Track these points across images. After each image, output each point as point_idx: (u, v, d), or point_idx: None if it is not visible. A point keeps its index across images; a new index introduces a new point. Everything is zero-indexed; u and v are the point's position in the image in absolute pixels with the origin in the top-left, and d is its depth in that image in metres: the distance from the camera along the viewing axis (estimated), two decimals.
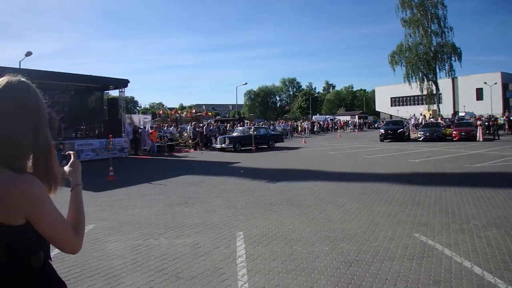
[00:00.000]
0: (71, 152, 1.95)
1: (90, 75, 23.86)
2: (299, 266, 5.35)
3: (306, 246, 6.19)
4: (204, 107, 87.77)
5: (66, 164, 1.92)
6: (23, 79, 1.65)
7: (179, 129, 31.35)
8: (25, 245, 1.55)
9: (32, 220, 1.52)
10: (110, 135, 19.41)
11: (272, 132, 31.87)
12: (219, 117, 63.57)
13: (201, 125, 31.83)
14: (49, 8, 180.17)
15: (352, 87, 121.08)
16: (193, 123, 32.32)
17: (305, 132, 49.81)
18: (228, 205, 9.36)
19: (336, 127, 62.19)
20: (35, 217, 1.52)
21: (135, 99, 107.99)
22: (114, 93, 28.89)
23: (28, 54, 26.77)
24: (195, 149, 28.17)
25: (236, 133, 28.61)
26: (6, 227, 1.48)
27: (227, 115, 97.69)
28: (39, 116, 1.61)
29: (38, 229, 1.54)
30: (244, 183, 12.80)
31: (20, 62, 25.78)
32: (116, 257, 5.89)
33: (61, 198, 1.81)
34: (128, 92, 24.61)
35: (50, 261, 1.70)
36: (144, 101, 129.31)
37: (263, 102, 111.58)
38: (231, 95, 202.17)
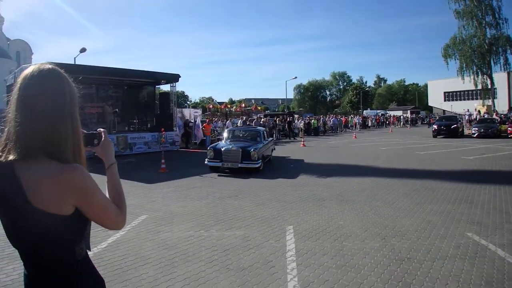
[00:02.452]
0: (102, 129, 1.91)
1: (143, 70, 24.40)
2: (349, 262, 5.27)
3: (357, 242, 6.09)
4: (253, 101, 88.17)
5: (98, 143, 1.88)
6: (54, 66, 1.64)
7: (227, 123, 31.58)
8: (71, 235, 1.57)
9: (82, 206, 1.55)
10: (162, 129, 19.82)
11: (270, 138, 18.79)
12: (268, 111, 63.64)
13: (250, 119, 31.94)
14: (102, 5, 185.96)
15: (404, 81, 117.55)
16: (243, 117, 32.47)
17: (355, 127, 49.01)
18: (278, 199, 9.35)
19: (387, 122, 60.79)
20: (85, 203, 1.55)
21: (186, 93, 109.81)
22: (165, 87, 29.45)
23: (83, 50, 27.66)
24: None
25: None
26: (56, 217, 1.49)
27: (276, 110, 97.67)
28: (73, 102, 1.63)
29: (88, 214, 1.58)
30: (293, 177, 12.76)
31: (75, 58, 26.84)
32: (168, 247, 6.01)
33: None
34: (179, 86, 24.99)
35: (88, 251, 1.71)
36: (194, 96, 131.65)
37: (312, 96, 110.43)
38: (281, 89, 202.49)
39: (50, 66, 1.62)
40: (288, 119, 36.25)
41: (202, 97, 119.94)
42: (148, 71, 24.65)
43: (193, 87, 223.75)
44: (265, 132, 17.26)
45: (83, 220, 1.60)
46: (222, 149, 14.05)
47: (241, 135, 16.32)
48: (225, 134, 16.90)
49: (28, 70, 1.59)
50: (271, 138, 19.69)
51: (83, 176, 1.54)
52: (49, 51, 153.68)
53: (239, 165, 13.63)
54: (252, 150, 13.86)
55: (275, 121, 35.18)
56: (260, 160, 13.98)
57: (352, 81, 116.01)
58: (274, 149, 18.27)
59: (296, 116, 43.62)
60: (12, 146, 1.50)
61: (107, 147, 1.88)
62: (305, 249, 5.81)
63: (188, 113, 29.64)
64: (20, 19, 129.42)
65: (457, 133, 30.88)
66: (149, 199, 9.61)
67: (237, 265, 5.21)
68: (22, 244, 1.58)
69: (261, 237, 6.43)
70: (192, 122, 26.71)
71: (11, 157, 1.49)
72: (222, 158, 13.86)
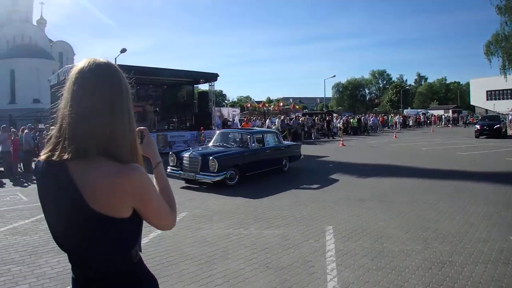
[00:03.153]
0: (142, 128, 1.82)
1: (182, 70, 24.73)
2: (390, 264, 5.17)
3: (397, 244, 5.97)
4: (291, 100, 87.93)
5: (141, 141, 1.79)
6: (109, 60, 1.57)
7: (267, 122, 31.62)
8: (127, 238, 1.51)
9: (140, 207, 1.47)
10: (202, 127, 20.04)
11: (286, 143, 15.70)
12: (306, 110, 63.27)
13: (288, 118, 31.85)
14: (141, 6, 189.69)
15: (445, 80, 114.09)
16: (281, 116, 32.41)
17: (395, 127, 48.06)
18: (316, 198, 9.29)
19: (428, 121, 59.31)
20: (143, 204, 1.48)
21: (223, 92, 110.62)
22: (203, 86, 29.78)
23: (123, 51, 28.19)
24: None
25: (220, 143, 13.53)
26: (114, 221, 1.42)
27: (314, 108, 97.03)
28: (129, 98, 1.56)
29: (144, 215, 1.50)
30: (333, 177, 12.64)
31: (115, 58, 27.32)
32: (208, 244, 6.09)
33: None
34: (217, 85, 25.13)
35: (140, 252, 1.63)
36: (232, 95, 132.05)
37: (351, 95, 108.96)
38: (319, 87, 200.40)
39: (106, 60, 1.55)
40: (327, 118, 35.97)
41: (240, 96, 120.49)
42: (187, 70, 24.98)
43: (230, 86, 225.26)
44: (274, 136, 13.99)
45: (139, 222, 1.54)
46: (183, 155, 11.62)
47: (231, 138, 13.28)
48: (214, 137, 13.86)
49: (83, 64, 1.51)
50: (289, 143, 16.36)
51: (142, 176, 1.45)
52: (90, 52, 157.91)
53: (197, 176, 11.02)
54: (211, 158, 10.86)
55: (314, 120, 34.98)
56: (225, 172, 11.00)
57: (392, 80, 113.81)
58: (301, 156, 15.24)
59: (335, 115, 43.17)
60: (67, 145, 1.42)
61: (151, 145, 1.82)
62: (345, 249, 5.76)
63: (227, 112, 29.91)
64: (62, 21, 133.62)
65: (500, 134, 29.84)
66: (188, 197, 9.76)
67: (277, 264, 5.22)
68: (75, 248, 1.51)
69: (301, 236, 6.41)
70: (230, 121, 26.92)
71: (65, 156, 1.41)
72: (182, 167, 11.49)
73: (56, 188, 1.44)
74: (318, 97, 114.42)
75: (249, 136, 12.58)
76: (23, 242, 6.55)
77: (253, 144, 12.45)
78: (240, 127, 25.93)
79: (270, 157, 13.05)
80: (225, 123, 26.36)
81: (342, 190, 10.34)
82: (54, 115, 1.53)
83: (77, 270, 1.56)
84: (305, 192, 10.05)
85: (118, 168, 1.41)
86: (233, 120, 26.71)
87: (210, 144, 13.36)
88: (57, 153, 1.44)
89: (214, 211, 8.22)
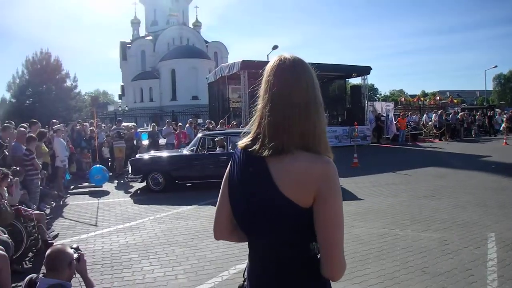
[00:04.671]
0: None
1: (334, 64, 24.74)
2: None
3: None
4: (448, 93, 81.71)
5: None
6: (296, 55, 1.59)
7: (424, 117, 30.03)
8: (309, 229, 1.47)
9: (322, 202, 1.44)
10: (356, 123, 19.91)
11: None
12: (464, 104, 58.23)
13: (447, 113, 29.80)
14: (291, 3, 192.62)
15: None
16: (439, 111, 30.47)
17: None
18: (478, 202, 8.65)
19: None
20: (327, 198, 1.44)
21: (375, 86, 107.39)
22: (353, 80, 29.40)
23: (275, 47, 28.97)
24: (440, 139, 26.62)
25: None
26: (300, 209, 1.44)
27: (474, 103, 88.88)
28: (320, 92, 1.59)
29: (320, 214, 1.45)
30: (495, 179, 11.55)
31: (267, 55, 28.32)
32: (362, 242, 6.17)
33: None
34: (368, 79, 24.55)
35: None
36: (383, 89, 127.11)
37: None
38: (478, 80, 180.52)
39: (296, 56, 1.57)
40: (488, 114, 32.73)
41: (393, 90, 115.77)
42: (338, 64, 24.97)
43: (381, 80, 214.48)
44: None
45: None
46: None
47: (211, 140, 12.31)
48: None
49: (275, 62, 1.55)
50: None
51: (334, 170, 1.47)
52: (243, 51, 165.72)
53: (128, 177, 11.75)
54: (129, 160, 11.71)
55: (474, 115, 32.10)
56: (141, 176, 11.15)
57: None
58: None
59: (497, 110, 38.99)
60: (266, 142, 1.48)
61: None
62: (508, 260, 5.33)
63: (380, 106, 29.04)
64: (215, 23, 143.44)
65: None
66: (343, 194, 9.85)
67: (434, 269, 5.07)
68: (258, 232, 1.55)
69: (460, 242, 6.09)
70: (384, 116, 26.17)
71: (264, 153, 1.47)
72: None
73: (249, 175, 1.53)
74: (477, 90, 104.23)
75: (198, 140, 11.51)
76: (186, 226, 7.46)
77: (200, 149, 11.22)
78: (396, 122, 25.11)
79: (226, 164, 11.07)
80: (378, 118, 25.73)
81: (504, 194, 9.46)
82: (252, 112, 1.60)
83: (256, 254, 1.62)
84: (465, 195, 9.41)
85: (314, 157, 1.46)
86: (387, 115, 25.85)
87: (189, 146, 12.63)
88: (256, 147, 1.51)
89: (368, 210, 8.23)
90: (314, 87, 1.54)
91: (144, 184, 11.49)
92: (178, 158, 11.49)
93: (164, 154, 12.30)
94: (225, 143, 11.30)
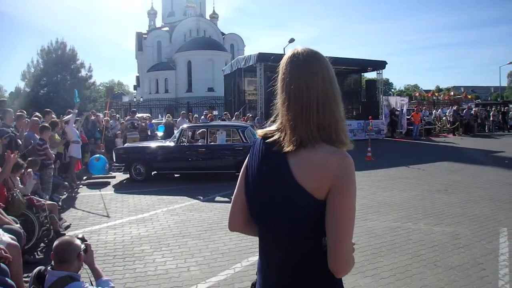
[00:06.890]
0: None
1: (349, 58, 24.57)
2: None
3: None
4: (462, 89, 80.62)
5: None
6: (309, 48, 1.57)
7: (438, 111, 29.72)
8: (322, 223, 1.45)
9: (336, 193, 1.42)
10: (370, 117, 19.81)
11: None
12: (479, 100, 57.37)
13: (461, 108, 29.45)
14: None
15: None
16: (454, 106, 30.14)
17: None
18: (491, 197, 8.58)
19: None
20: (342, 190, 1.43)
21: (390, 81, 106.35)
22: (368, 75, 29.19)
23: (291, 40, 28.85)
24: (454, 134, 26.36)
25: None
26: (313, 199, 1.43)
27: (489, 99, 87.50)
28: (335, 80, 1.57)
29: (331, 206, 1.43)
30: (508, 174, 11.44)
31: (284, 48, 28.20)
32: (375, 235, 6.16)
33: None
34: (383, 74, 24.40)
35: None
36: (398, 83, 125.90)
37: None
38: (493, 76, 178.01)
39: (309, 48, 1.55)
40: (502, 110, 32.37)
41: (407, 85, 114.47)
42: (354, 58, 24.79)
43: (396, 75, 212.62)
44: (234, 133, 11.69)
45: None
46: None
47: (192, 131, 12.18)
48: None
49: (288, 58, 1.55)
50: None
51: (352, 163, 1.46)
52: (259, 43, 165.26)
53: (113, 166, 11.95)
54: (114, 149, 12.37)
55: (488, 111, 31.69)
56: (123, 164, 11.39)
57: None
58: None
59: (511, 106, 38.41)
60: (287, 139, 1.48)
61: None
62: None
63: (394, 101, 28.80)
64: (232, 15, 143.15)
65: None
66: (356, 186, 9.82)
67: (446, 263, 5.05)
68: (273, 221, 1.52)
69: (472, 236, 6.06)
70: (398, 111, 25.98)
71: (285, 149, 1.47)
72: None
73: (268, 167, 1.53)
74: (492, 86, 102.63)
75: (182, 132, 11.47)
76: (199, 218, 7.45)
77: (182, 140, 11.20)
78: (410, 117, 24.91)
79: (204, 157, 11.08)
80: (392, 113, 25.53)
81: None
82: (272, 111, 1.61)
83: (268, 249, 1.62)
84: (477, 189, 9.34)
85: (333, 149, 1.46)
86: (402, 109, 25.64)
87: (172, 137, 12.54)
88: (276, 140, 1.52)
89: (382, 203, 8.21)
90: (330, 79, 1.52)
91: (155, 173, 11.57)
92: (159, 149, 11.52)
93: (146, 144, 12.52)
94: (206, 136, 11.36)
